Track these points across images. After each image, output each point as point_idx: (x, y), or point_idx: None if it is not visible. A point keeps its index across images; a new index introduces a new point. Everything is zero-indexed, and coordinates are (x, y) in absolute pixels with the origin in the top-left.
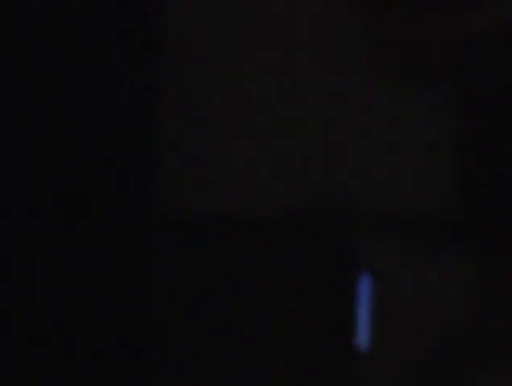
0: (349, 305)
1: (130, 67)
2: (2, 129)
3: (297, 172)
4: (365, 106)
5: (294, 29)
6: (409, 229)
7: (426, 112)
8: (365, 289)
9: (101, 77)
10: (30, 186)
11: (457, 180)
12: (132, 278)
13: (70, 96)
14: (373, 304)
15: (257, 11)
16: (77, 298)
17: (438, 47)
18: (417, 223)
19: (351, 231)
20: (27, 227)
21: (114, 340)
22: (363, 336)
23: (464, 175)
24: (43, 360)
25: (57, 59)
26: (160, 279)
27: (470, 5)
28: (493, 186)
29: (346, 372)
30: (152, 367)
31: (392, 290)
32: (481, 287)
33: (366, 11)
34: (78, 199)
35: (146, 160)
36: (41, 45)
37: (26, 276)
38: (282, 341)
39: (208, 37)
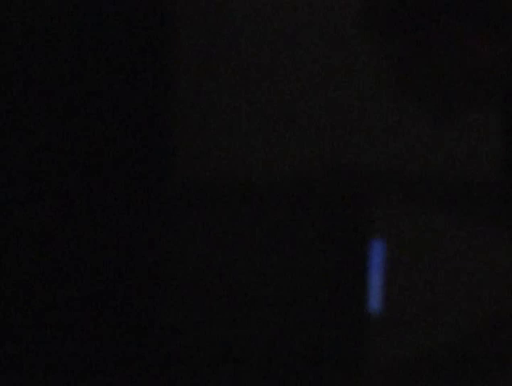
0: (361, 270)
1: (143, 33)
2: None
3: (308, 137)
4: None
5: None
6: (420, 193)
7: None
8: (376, 254)
9: (118, 43)
10: (47, 142)
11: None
12: (149, 241)
13: (89, 60)
14: (384, 268)
15: None
16: (92, 261)
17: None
18: (428, 187)
19: (363, 195)
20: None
21: (128, 301)
22: (375, 300)
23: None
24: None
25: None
26: (175, 242)
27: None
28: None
29: (359, 336)
30: (164, 328)
31: (403, 254)
32: (492, 250)
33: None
34: (95, 162)
35: (162, 128)
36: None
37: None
38: (294, 305)
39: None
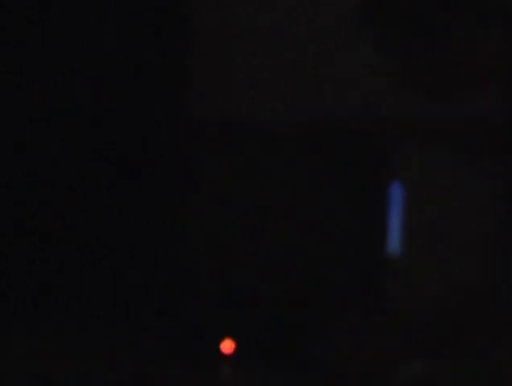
0: (381, 213)
1: None
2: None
3: (326, 83)
4: None
5: None
6: (441, 138)
7: None
8: (396, 197)
9: None
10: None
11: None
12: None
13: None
14: (403, 212)
15: None
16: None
17: None
18: (448, 131)
19: (382, 140)
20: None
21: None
22: (394, 243)
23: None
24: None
25: None
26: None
27: None
28: None
29: (378, 278)
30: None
31: (422, 198)
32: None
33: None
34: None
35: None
36: None
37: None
38: (314, 248)
39: None
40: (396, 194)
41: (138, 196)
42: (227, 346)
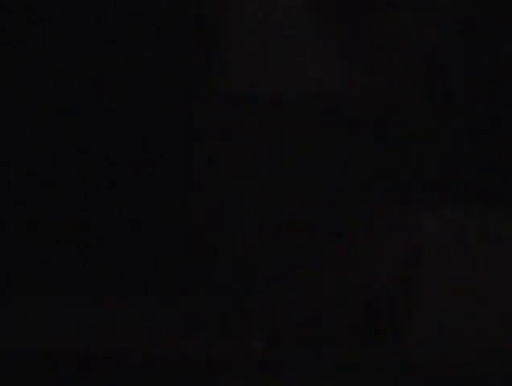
0: None
1: None
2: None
3: (334, 59)
4: None
5: None
6: None
7: None
8: None
9: None
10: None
11: None
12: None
13: None
14: None
15: None
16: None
17: None
18: None
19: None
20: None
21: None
22: None
23: None
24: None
25: None
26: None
27: None
28: None
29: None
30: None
31: None
32: None
33: None
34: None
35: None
36: None
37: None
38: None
39: None
40: None
41: (158, 173)
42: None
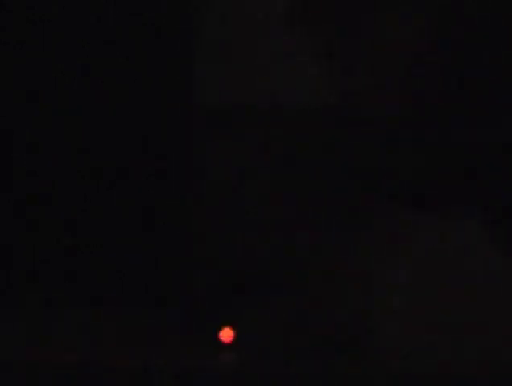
0: None
1: None
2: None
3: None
4: None
5: None
6: None
7: None
8: None
9: None
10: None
11: None
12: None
13: None
14: None
15: None
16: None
17: None
18: None
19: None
20: None
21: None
22: None
23: None
24: None
25: None
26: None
27: None
28: None
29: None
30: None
31: None
32: None
33: None
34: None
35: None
36: None
37: None
38: (314, 234)
39: None
40: None
41: (140, 184)
42: (226, 334)
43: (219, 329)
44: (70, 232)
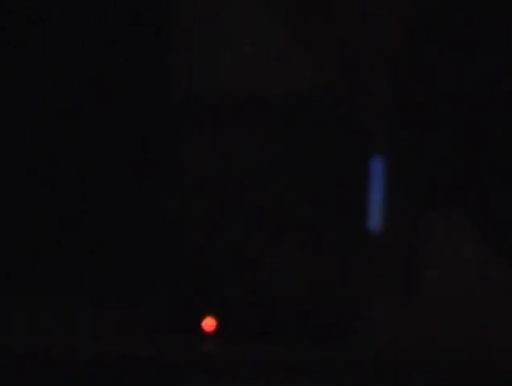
0: (362, 188)
1: None
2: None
3: (309, 55)
4: None
5: None
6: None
7: None
8: (377, 172)
9: None
10: None
11: None
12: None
13: None
14: (385, 186)
15: None
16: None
17: None
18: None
19: (363, 114)
20: None
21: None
22: (375, 218)
23: None
24: None
25: None
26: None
27: None
28: None
29: (359, 254)
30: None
31: (404, 173)
32: None
33: None
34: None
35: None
36: None
37: None
38: (295, 222)
39: None
40: (378, 168)
41: (126, 176)
42: (209, 323)
43: (201, 318)
44: (53, 225)
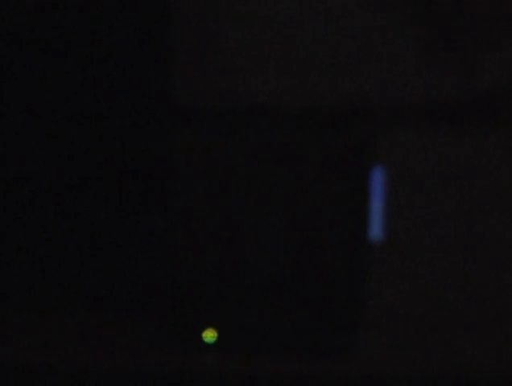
0: (363, 198)
1: None
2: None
3: (308, 69)
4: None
5: None
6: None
7: None
8: (378, 183)
9: None
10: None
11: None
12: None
13: None
14: (386, 197)
15: None
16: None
17: None
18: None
19: (364, 125)
20: None
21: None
22: (376, 228)
23: None
24: None
25: None
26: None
27: None
28: None
29: (360, 263)
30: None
31: (404, 183)
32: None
33: None
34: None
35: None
36: None
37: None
38: (294, 231)
39: None
40: (379, 178)
41: (122, 187)
42: (209, 335)
43: (202, 329)
44: (48, 233)
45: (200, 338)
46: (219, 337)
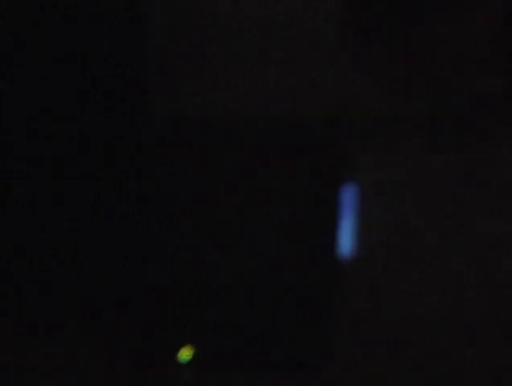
0: (334, 215)
1: None
2: None
3: (283, 84)
4: None
5: None
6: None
7: None
8: (349, 199)
9: None
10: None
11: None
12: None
13: None
14: (357, 213)
15: None
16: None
17: None
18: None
19: (336, 142)
20: None
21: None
22: (347, 245)
23: None
24: None
25: None
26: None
27: None
28: None
29: (330, 280)
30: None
31: (376, 200)
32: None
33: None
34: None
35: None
36: None
37: None
38: (268, 246)
39: None
40: (350, 195)
41: (100, 197)
42: (186, 353)
43: (178, 347)
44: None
45: (176, 356)
46: (194, 355)
